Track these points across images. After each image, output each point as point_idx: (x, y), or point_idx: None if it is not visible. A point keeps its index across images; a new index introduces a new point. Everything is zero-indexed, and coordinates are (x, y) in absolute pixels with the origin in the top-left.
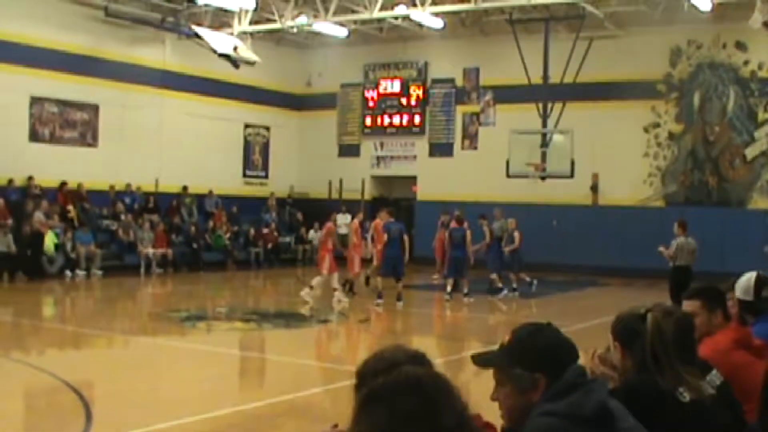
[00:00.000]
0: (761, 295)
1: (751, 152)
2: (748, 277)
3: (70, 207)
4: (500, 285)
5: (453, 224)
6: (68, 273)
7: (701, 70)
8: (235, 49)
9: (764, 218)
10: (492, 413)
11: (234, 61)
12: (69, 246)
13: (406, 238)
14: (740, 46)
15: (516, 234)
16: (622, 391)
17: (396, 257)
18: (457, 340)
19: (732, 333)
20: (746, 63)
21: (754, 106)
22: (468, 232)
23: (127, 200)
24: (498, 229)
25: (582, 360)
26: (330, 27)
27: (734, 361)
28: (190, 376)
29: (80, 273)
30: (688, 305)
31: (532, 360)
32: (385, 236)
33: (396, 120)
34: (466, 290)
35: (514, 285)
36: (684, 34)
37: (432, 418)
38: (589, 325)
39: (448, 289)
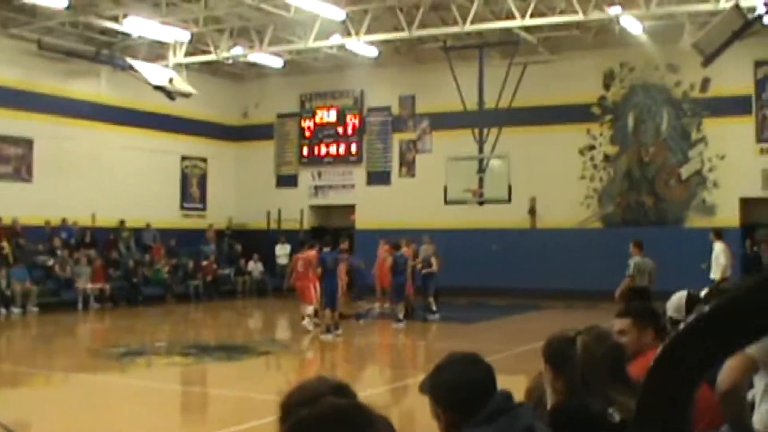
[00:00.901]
0: (692, 312)
1: (686, 171)
2: (680, 296)
3: (4, 243)
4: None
5: (388, 250)
6: (3, 310)
7: (635, 92)
8: (171, 81)
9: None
10: None
11: (169, 93)
12: (3, 283)
13: (341, 267)
14: (672, 67)
15: (433, 259)
16: (552, 414)
17: (334, 287)
18: (399, 367)
19: None
20: (678, 84)
21: (688, 126)
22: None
23: (64, 235)
24: (430, 254)
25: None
26: (265, 57)
27: None
28: (130, 413)
29: (16, 310)
30: (618, 323)
31: (436, 393)
32: (320, 268)
33: (333, 149)
34: (400, 316)
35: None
36: (617, 57)
37: None
38: (529, 348)
39: (401, 315)
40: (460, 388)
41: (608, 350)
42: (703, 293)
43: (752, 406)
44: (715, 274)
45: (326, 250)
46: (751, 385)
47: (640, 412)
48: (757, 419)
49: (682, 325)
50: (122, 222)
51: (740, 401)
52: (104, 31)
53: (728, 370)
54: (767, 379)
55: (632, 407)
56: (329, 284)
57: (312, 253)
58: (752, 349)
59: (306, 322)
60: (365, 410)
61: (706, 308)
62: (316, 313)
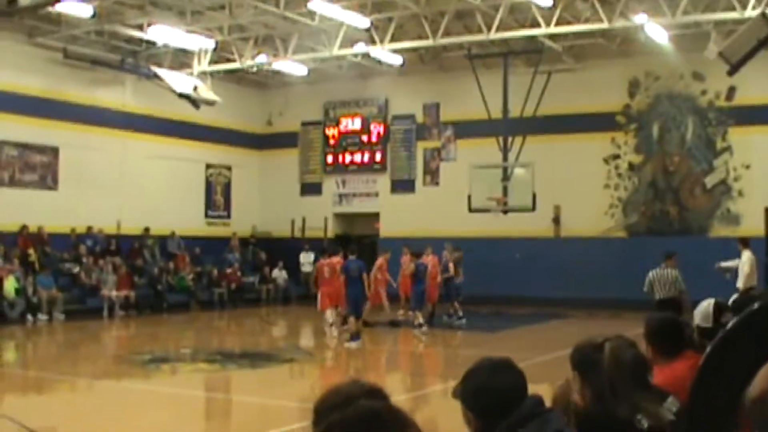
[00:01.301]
0: (720, 321)
1: (710, 181)
2: (707, 304)
3: (31, 251)
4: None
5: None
6: (29, 317)
7: (659, 101)
8: (195, 89)
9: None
10: None
11: (194, 101)
12: (30, 290)
13: (365, 276)
14: (697, 76)
15: (451, 264)
16: (579, 420)
17: (358, 295)
18: (423, 375)
19: (690, 360)
20: (704, 93)
21: (713, 136)
22: (430, 266)
23: (89, 243)
24: (446, 261)
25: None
26: (290, 65)
27: (685, 376)
28: (154, 419)
29: (42, 317)
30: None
31: (466, 399)
32: (343, 275)
33: (357, 157)
34: (421, 321)
35: (460, 313)
36: (642, 66)
37: None
38: (553, 357)
39: (421, 320)
40: (490, 393)
41: (634, 357)
42: (731, 301)
43: None
44: (739, 283)
45: (351, 257)
46: None
47: (689, 419)
48: None
49: (717, 333)
50: (147, 230)
51: None
52: (129, 40)
53: (759, 377)
54: None
55: (660, 414)
56: (353, 291)
57: (336, 259)
58: None
59: (330, 328)
60: (399, 413)
61: (740, 316)
62: (344, 320)
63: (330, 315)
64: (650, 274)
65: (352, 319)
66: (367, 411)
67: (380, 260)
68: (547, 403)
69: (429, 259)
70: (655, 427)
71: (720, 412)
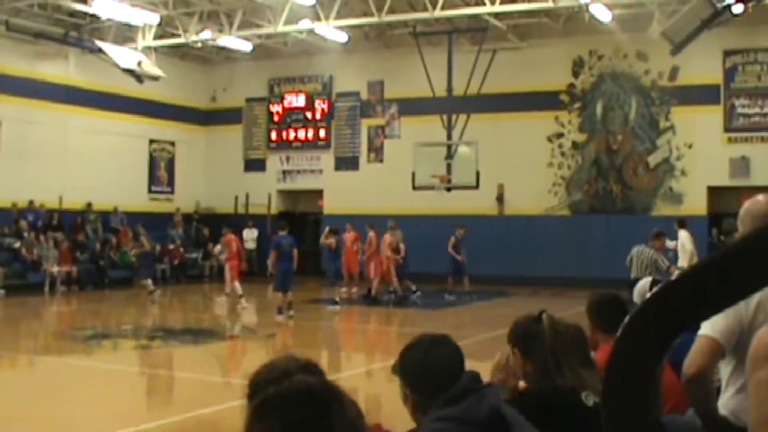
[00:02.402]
0: None
1: (653, 160)
2: (645, 282)
3: None
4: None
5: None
6: None
7: (603, 80)
8: (140, 64)
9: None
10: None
11: (138, 76)
12: None
13: (295, 251)
14: (641, 55)
15: (402, 245)
16: (526, 398)
17: (288, 270)
18: (365, 352)
19: None
20: (647, 72)
21: (656, 115)
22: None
23: (30, 218)
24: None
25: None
26: (234, 41)
27: None
28: (96, 396)
29: None
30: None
31: (404, 375)
32: (275, 251)
33: (301, 134)
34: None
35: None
36: (586, 45)
37: (324, 427)
38: (496, 334)
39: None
40: (427, 368)
41: (575, 331)
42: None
43: (718, 390)
44: (682, 262)
45: (282, 233)
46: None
47: (606, 395)
48: (721, 403)
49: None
50: (89, 205)
51: (706, 386)
52: (73, 13)
53: (694, 354)
54: (733, 363)
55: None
56: (283, 267)
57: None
58: (718, 334)
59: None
60: (333, 389)
61: (661, 288)
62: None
63: (239, 287)
64: (633, 250)
65: (280, 294)
66: (303, 385)
67: (387, 237)
68: (487, 378)
69: (349, 236)
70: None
71: (636, 386)
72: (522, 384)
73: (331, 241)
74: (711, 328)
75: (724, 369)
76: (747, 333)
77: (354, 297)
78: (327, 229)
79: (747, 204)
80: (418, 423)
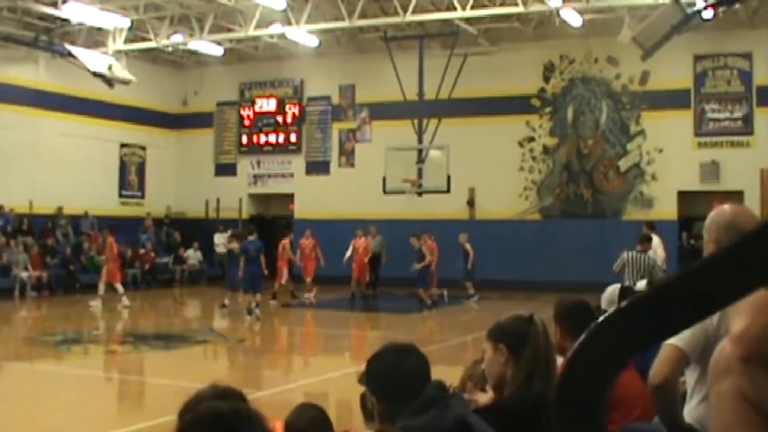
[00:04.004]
0: None
1: (624, 164)
2: (613, 289)
3: None
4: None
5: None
6: None
7: (574, 85)
8: (110, 68)
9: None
10: None
11: (109, 81)
12: None
13: (262, 256)
14: (611, 60)
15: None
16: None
17: (256, 273)
18: (333, 356)
19: None
20: (618, 77)
21: (626, 119)
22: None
23: (0, 222)
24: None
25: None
26: (206, 45)
27: None
28: (66, 402)
29: None
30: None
31: (371, 384)
32: (243, 255)
33: (272, 138)
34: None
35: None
36: (557, 50)
37: None
38: (468, 339)
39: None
40: (394, 377)
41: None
42: (639, 286)
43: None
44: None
45: (251, 238)
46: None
47: (557, 405)
48: (687, 412)
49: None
50: (60, 209)
51: (672, 395)
52: (43, 17)
53: (660, 363)
54: (698, 372)
55: None
56: (251, 270)
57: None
58: (683, 343)
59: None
60: (243, 413)
61: (623, 303)
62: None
63: (120, 288)
64: (625, 255)
65: (248, 296)
66: (211, 411)
67: (363, 242)
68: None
69: (308, 242)
70: None
71: (587, 399)
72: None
73: (235, 245)
74: (676, 336)
75: (690, 377)
76: (712, 342)
77: (314, 301)
78: (229, 233)
79: (713, 213)
80: (385, 431)
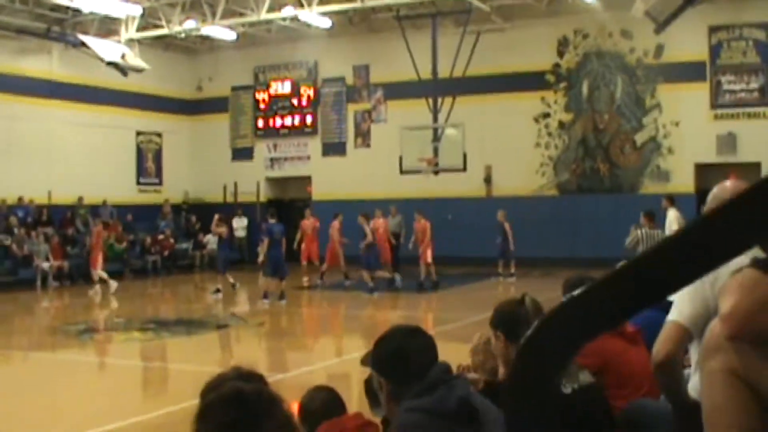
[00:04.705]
0: None
1: (640, 138)
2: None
3: None
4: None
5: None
6: None
7: (588, 60)
8: (123, 56)
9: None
10: None
11: (122, 69)
12: None
13: (284, 239)
14: (625, 34)
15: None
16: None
17: (280, 258)
18: (354, 337)
19: None
20: (632, 51)
21: (641, 93)
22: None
23: (20, 214)
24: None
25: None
26: (218, 30)
27: (609, 349)
28: (89, 390)
29: None
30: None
31: (379, 364)
32: (267, 238)
33: (288, 121)
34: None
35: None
36: (570, 24)
37: (253, 428)
38: (487, 316)
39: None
40: (402, 357)
41: None
42: None
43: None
44: None
45: (272, 221)
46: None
47: (508, 394)
48: (692, 387)
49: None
50: (80, 199)
51: (675, 372)
52: (55, 8)
53: (662, 341)
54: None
55: (579, 377)
56: (275, 254)
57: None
58: (685, 320)
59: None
60: (265, 393)
61: (576, 293)
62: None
63: (103, 273)
64: (639, 232)
65: (270, 280)
66: (233, 391)
67: (382, 223)
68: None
69: (308, 222)
70: (578, 391)
71: (537, 389)
72: (502, 370)
73: (222, 230)
74: (678, 313)
75: (693, 353)
76: (714, 317)
77: (317, 284)
78: (216, 217)
79: (714, 189)
80: (392, 411)
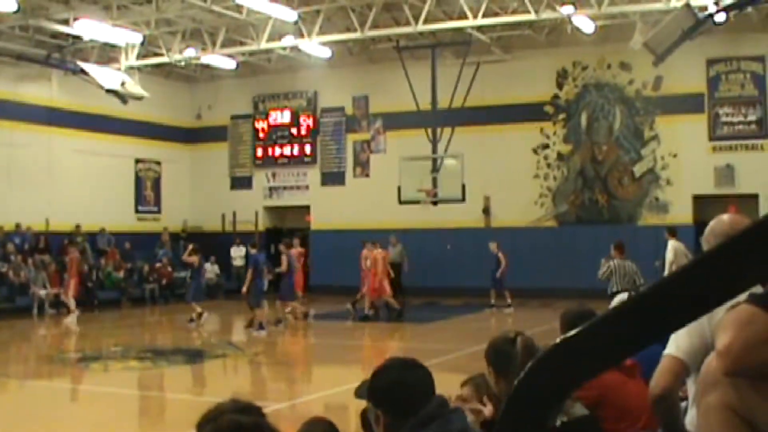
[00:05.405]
0: None
1: (638, 169)
2: (620, 299)
3: None
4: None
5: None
6: None
7: (587, 91)
8: (123, 84)
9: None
10: None
11: (122, 97)
12: None
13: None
14: (624, 66)
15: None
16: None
17: (263, 288)
18: (350, 367)
19: None
20: (631, 82)
21: (640, 125)
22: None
23: (17, 241)
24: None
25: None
26: (218, 59)
27: (607, 382)
28: (86, 419)
29: None
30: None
31: (376, 397)
32: (252, 268)
33: (287, 150)
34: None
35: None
36: (569, 56)
37: None
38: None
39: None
40: (400, 389)
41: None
42: None
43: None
44: (666, 272)
45: (254, 251)
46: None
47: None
48: (689, 421)
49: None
50: (77, 226)
51: (673, 406)
52: (55, 35)
53: (660, 374)
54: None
55: (572, 410)
56: (261, 284)
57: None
58: (682, 354)
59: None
60: (264, 426)
61: (570, 333)
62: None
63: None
64: (611, 263)
65: (259, 310)
66: (233, 424)
67: (383, 252)
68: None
69: (295, 251)
70: (568, 424)
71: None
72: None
73: (194, 259)
74: (676, 347)
75: (691, 386)
76: (711, 351)
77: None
78: (190, 247)
79: (712, 223)
80: None
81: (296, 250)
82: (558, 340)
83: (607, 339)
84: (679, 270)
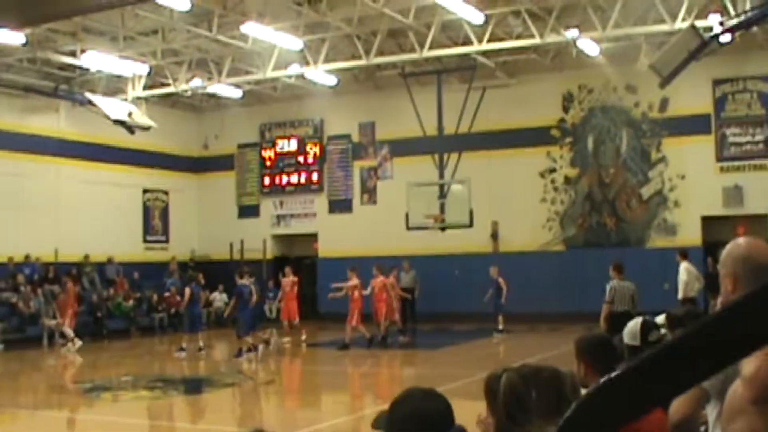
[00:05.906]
0: (648, 339)
1: (646, 192)
2: (635, 323)
3: None
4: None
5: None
6: None
7: (593, 114)
8: (130, 114)
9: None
10: None
11: (129, 127)
12: None
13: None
14: (630, 88)
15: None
16: None
17: (250, 316)
18: (361, 396)
19: None
20: (637, 105)
21: (647, 147)
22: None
23: (27, 271)
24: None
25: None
26: (224, 88)
27: None
28: None
29: None
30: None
31: (395, 428)
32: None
33: (294, 178)
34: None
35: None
36: (575, 80)
37: None
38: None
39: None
40: (422, 418)
41: (542, 385)
42: (659, 319)
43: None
44: (679, 294)
45: (241, 282)
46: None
47: None
48: None
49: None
50: (86, 257)
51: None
52: (62, 67)
53: (679, 401)
54: (718, 408)
55: None
56: (248, 313)
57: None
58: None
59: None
60: None
61: (613, 375)
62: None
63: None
64: (613, 283)
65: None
66: None
67: (391, 279)
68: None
69: (287, 281)
70: None
71: None
72: None
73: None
74: None
75: (711, 413)
76: (731, 379)
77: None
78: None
79: (728, 246)
80: None
81: (289, 279)
82: (602, 381)
83: (655, 377)
84: (730, 305)
